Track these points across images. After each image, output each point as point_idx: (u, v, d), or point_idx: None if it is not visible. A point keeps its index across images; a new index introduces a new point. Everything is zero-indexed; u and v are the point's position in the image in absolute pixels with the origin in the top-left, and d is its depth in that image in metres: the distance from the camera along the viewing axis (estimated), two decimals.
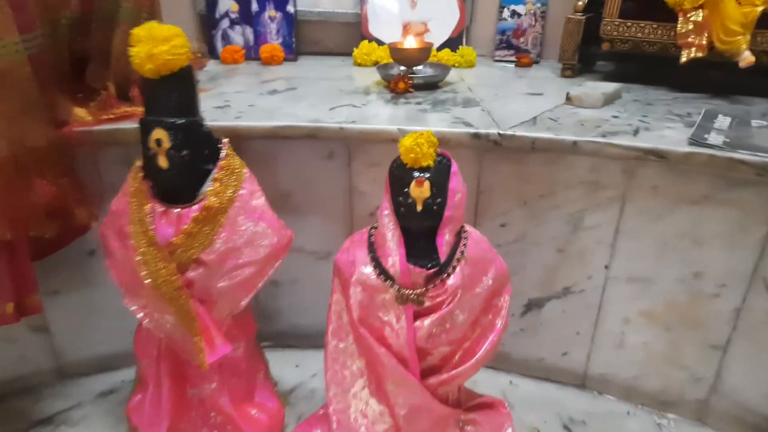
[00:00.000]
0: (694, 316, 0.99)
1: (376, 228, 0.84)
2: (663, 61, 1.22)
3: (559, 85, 1.30)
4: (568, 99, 1.13)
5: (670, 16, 1.19)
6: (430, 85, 1.26)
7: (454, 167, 0.80)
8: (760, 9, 1.11)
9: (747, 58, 1.11)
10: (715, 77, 1.20)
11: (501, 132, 0.96)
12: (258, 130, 0.99)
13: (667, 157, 0.90)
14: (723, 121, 1.01)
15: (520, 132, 0.97)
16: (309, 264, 1.13)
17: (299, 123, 1.00)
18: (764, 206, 0.88)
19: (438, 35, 1.52)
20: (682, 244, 0.95)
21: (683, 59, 1.18)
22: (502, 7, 1.52)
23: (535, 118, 1.04)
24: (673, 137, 0.94)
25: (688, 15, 1.16)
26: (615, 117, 1.05)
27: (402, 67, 1.28)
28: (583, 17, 1.31)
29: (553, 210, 1.01)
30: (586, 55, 1.36)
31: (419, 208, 0.77)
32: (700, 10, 1.15)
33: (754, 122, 1.01)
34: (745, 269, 0.93)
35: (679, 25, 1.17)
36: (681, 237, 0.95)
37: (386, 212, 0.80)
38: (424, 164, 0.77)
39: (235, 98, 1.14)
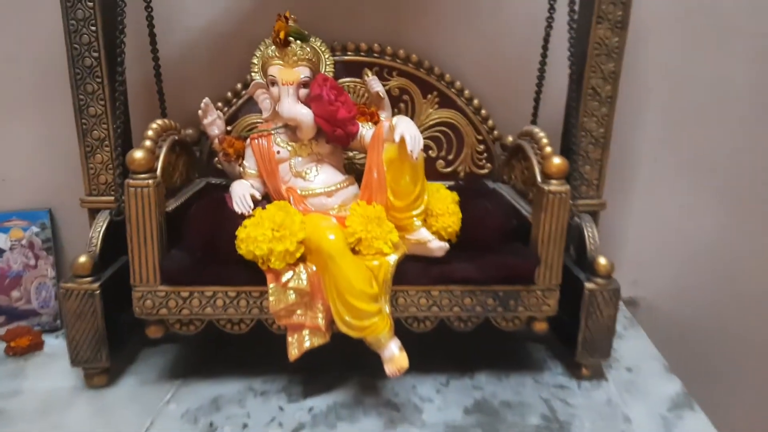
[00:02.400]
0: None
1: None
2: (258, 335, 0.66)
3: (76, 420, 0.61)
4: None
5: (261, 277, 0.63)
6: None
7: None
8: (393, 258, 0.64)
9: (399, 363, 0.61)
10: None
11: None
12: None
13: None
14: None
15: None
16: None
17: None
18: None
19: None
20: None
21: (294, 354, 0.64)
22: None
23: None
24: None
25: (284, 279, 0.62)
26: None
27: None
28: (97, 285, 0.65)
29: None
30: (135, 332, 0.71)
31: None
32: (302, 267, 0.63)
33: None
34: None
35: (271, 296, 0.62)
36: None
37: None
38: None
39: None
